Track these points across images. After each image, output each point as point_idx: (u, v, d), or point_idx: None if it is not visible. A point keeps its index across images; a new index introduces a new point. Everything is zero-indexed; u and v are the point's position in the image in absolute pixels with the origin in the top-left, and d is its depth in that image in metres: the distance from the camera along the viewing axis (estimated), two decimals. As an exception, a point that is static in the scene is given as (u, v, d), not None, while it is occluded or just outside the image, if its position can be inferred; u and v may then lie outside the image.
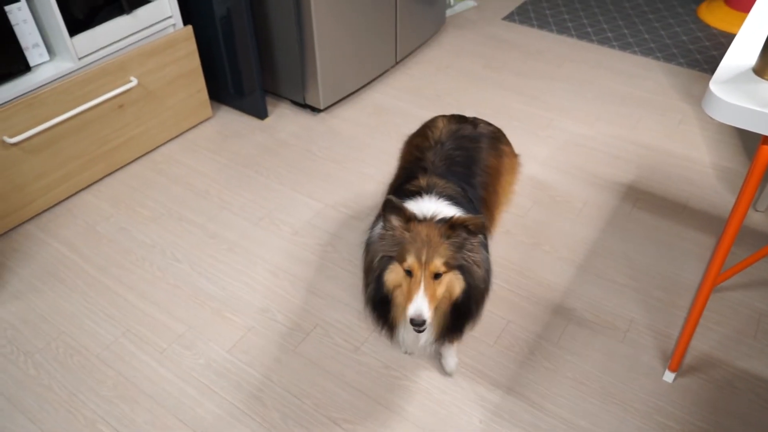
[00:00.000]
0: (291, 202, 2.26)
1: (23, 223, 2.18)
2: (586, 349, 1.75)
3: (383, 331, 1.46)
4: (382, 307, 1.40)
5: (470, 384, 1.67)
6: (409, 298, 1.26)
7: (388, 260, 1.33)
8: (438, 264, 1.25)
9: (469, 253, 1.30)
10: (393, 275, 1.32)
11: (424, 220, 1.30)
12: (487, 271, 1.40)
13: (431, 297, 1.25)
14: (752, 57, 1.25)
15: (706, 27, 3.32)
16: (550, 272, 1.98)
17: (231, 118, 2.70)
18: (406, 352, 1.74)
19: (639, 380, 1.67)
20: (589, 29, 3.33)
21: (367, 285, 1.42)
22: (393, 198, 1.27)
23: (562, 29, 3.34)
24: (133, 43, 2.27)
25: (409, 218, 1.29)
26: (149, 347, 1.76)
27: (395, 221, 1.30)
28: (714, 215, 2.17)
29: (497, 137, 1.79)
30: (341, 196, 2.28)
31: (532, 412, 1.60)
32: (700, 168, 2.39)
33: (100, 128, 2.26)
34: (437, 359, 1.72)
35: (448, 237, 1.27)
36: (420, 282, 1.25)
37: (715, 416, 1.58)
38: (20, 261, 2.04)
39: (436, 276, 1.26)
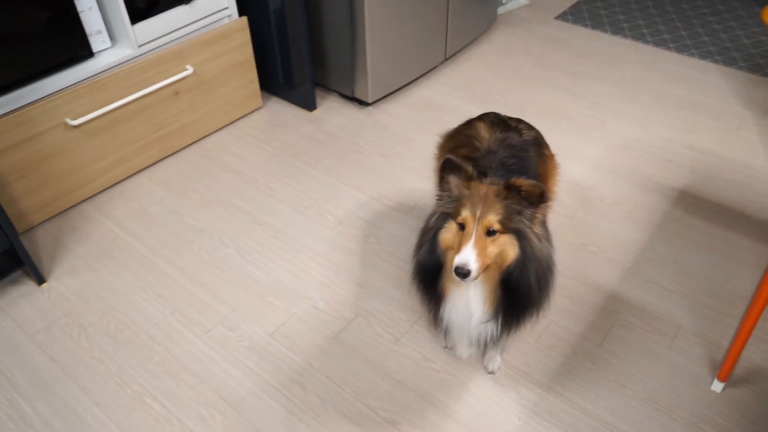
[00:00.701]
0: (336, 192, 2.29)
1: (80, 202, 2.27)
2: (630, 352, 1.71)
3: (429, 306, 1.41)
4: (432, 275, 1.36)
5: (510, 381, 1.65)
6: (458, 249, 1.23)
7: (444, 218, 1.31)
8: (492, 219, 1.22)
9: (528, 222, 1.26)
10: (448, 234, 1.30)
11: (484, 181, 1.29)
12: (550, 254, 1.34)
13: (481, 251, 1.22)
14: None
15: (770, 30, 3.20)
16: (596, 273, 1.94)
17: (280, 109, 2.74)
18: (447, 347, 1.73)
19: (685, 388, 1.62)
20: (645, 30, 3.25)
21: (419, 246, 1.38)
22: (452, 157, 1.27)
23: (616, 30, 3.27)
24: (191, 32, 2.33)
25: (470, 177, 1.28)
26: (195, 327, 1.81)
27: (454, 181, 1.29)
28: (771, 224, 2.10)
29: (540, 142, 1.75)
30: (386, 189, 2.30)
31: (571, 413, 1.57)
32: (759, 176, 2.30)
33: (156, 114, 2.33)
34: (479, 358, 1.71)
35: (505, 198, 1.24)
36: (471, 234, 1.22)
37: (765, 429, 1.53)
38: (77, 239, 2.12)
39: (490, 233, 1.23)
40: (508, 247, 1.26)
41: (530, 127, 1.75)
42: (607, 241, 2.06)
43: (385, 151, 2.49)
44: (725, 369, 1.59)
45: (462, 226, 1.25)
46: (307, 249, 2.06)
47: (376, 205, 2.23)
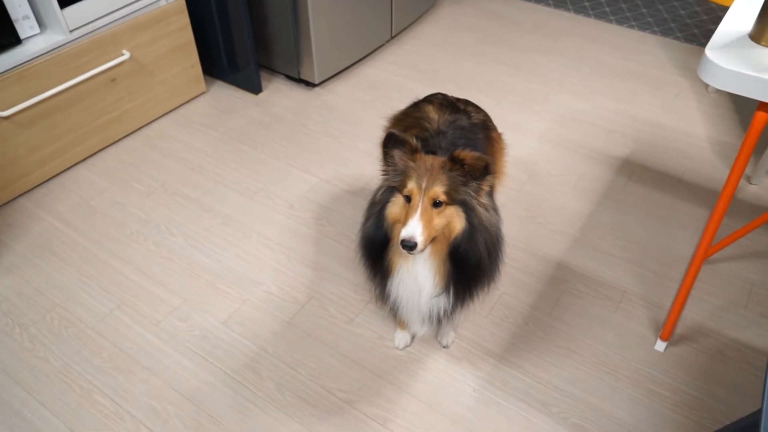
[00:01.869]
0: (286, 176, 2.26)
1: (17, 197, 2.17)
2: (579, 319, 1.76)
3: (376, 282, 1.40)
4: (378, 249, 1.35)
5: (464, 354, 1.68)
6: (404, 222, 1.22)
7: (390, 191, 1.30)
8: (437, 191, 1.22)
9: (474, 193, 1.26)
10: (395, 207, 1.29)
11: (429, 153, 1.28)
12: (497, 224, 1.34)
13: (427, 223, 1.21)
14: (748, 23, 1.24)
15: (704, 1, 3.29)
16: (544, 244, 1.98)
17: (225, 93, 2.68)
18: (399, 348, 1.69)
19: (631, 349, 1.68)
20: (587, 3, 3.30)
21: (366, 220, 1.37)
22: (396, 131, 1.26)
23: (558, 3, 3.31)
24: (125, 15, 2.24)
25: (414, 149, 1.27)
26: (144, 319, 1.77)
27: (399, 154, 1.28)
28: (709, 188, 2.17)
29: (488, 126, 1.75)
30: (336, 171, 2.28)
31: (524, 380, 1.61)
32: (696, 142, 2.38)
33: (93, 102, 2.24)
34: (434, 335, 1.72)
35: (450, 170, 1.24)
36: (417, 206, 1.22)
37: (706, 384, 1.60)
38: (15, 235, 2.03)
39: (436, 205, 1.23)
40: (454, 219, 1.26)
41: (478, 110, 1.75)
42: (555, 212, 2.10)
43: (334, 132, 2.46)
44: (667, 329, 1.65)
45: (408, 199, 1.25)
46: (258, 234, 2.03)
47: (327, 186, 2.21)
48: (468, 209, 1.26)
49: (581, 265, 1.92)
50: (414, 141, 1.27)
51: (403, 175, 1.26)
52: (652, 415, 1.54)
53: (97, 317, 1.78)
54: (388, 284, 1.38)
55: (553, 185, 2.20)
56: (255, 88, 2.66)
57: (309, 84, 2.71)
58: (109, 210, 2.12)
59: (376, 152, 2.35)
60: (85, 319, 1.77)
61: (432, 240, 1.25)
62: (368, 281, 1.41)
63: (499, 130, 1.84)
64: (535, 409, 1.55)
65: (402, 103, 2.49)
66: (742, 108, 2.54)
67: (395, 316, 1.58)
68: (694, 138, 2.40)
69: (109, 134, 2.37)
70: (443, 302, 1.37)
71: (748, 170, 2.22)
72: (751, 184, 2.19)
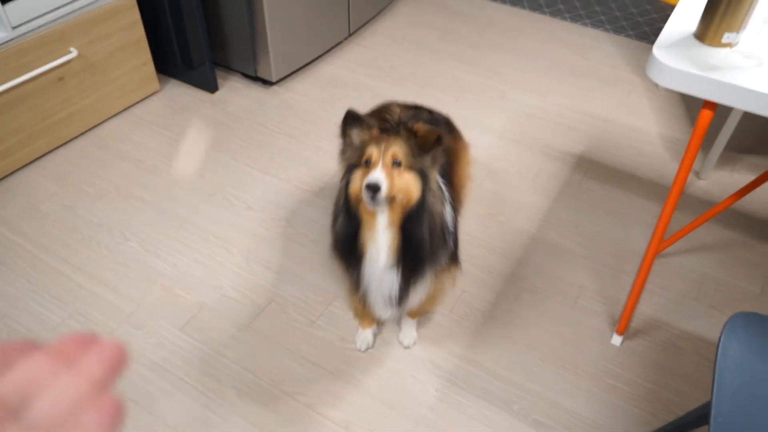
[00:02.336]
0: (244, 177, 2.22)
1: (-41, 203, 2.08)
2: (538, 315, 1.79)
3: (350, 270, 1.40)
4: (351, 243, 1.35)
5: (426, 354, 1.68)
6: (366, 177, 1.23)
7: (350, 170, 1.30)
8: (397, 150, 1.23)
9: (430, 165, 1.29)
10: (357, 183, 1.28)
11: (386, 130, 1.31)
12: (446, 214, 1.37)
13: (388, 174, 1.22)
14: (694, 22, 1.28)
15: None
16: (504, 241, 2.01)
17: (180, 92, 2.62)
18: (361, 350, 1.69)
19: (589, 344, 1.72)
20: (542, 1, 3.34)
21: (335, 220, 1.37)
22: (352, 109, 1.27)
23: (515, 1, 3.34)
24: (72, 11, 2.16)
25: (371, 126, 1.29)
26: (98, 328, 1.72)
27: (356, 132, 1.30)
28: (661, 184, 2.23)
29: (450, 126, 1.81)
30: (296, 171, 2.25)
31: (485, 378, 1.63)
32: (648, 138, 2.44)
33: (39, 102, 2.15)
34: (395, 334, 1.72)
35: (407, 139, 1.27)
36: (378, 162, 1.23)
37: (662, 376, 1.65)
38: (-43, 243, 1.94)
39: (396, 164, 1.24)
40: (412, 185, 1.27)
41: (440, 113, 1.80)
42: (513, 209, 2.13)
43: (293, 131, 2.43)
44: (622, 323, 1.69)
45: (368, 162, 1.25)
46: (216, 237, 1.99)
47: (286, 187, 2.19)
48: (424, 179, 1.28)
49: (539, 261, 1.94)
50: (369, 119, 1.30)
51: (362, 149, 1.28)
52: (610, 409, 1.57)
53: (47, 327, 1.71)
54: (361, 268, 1.38)
55: (512, 182, 2.23)
56: (210, 87, 2.61)
57: (266, 82, 2.67)
58: (59, 214, 2.05)
59: (336, 150, 2.33)
60: (35, 330, 1.71)
61: (392, 201, 1.25)
62: (344, 274, 1.41)
63: (460, 128, 1.86)
64: (496, 406, 1.57)
65: (361, 101, 2.48)
66: (692, 105, 2.62)
67: (364, 305, 1.57)
68: (646, 134, 2.46)
69: (59, 135, 2.28)
70: (397, 278, 1.37)
71: (696, 166, 2.29)
72: (699, 179, 2.26)
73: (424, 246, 1.32)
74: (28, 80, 2.08)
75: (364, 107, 2.34)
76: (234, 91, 2.64)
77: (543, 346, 1.71)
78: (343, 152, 1.34)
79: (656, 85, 2.72)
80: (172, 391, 1.58)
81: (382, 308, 1.51)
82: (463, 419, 1.54)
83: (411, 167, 1.26)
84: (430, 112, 1.75)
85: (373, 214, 1.29)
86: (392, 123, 1.61)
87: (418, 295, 1.44)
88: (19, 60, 2.03)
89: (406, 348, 1.69)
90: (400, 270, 1.36)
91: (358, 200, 1.30)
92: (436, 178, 1.33)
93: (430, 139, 1.25)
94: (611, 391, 1.61)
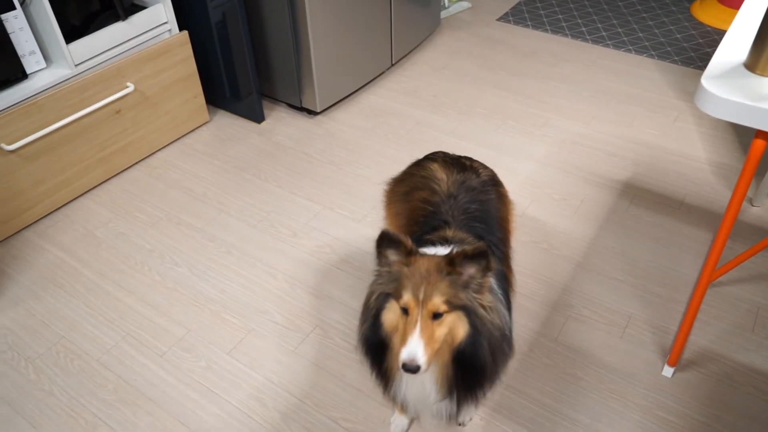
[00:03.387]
0: (289, 204, 2.27)
1: (22, 229, 2.18)
2: (584, 345, 1.75)
3: (378, 380, 1.31)
4: (377, 352, 1.25)
5: (470, 382, 1.67)
6: (403, 340, 1.12)
7: (385, 298, 1.20)
8: (437, 302, 1.12)
9: (476, 295, 1.17)
10: (391, 315, 1.19)
11: (425, 255, 1.20)
12: (503, 321, 1.25)
13: (428, 339, 1.11)
14: (743, 52, 1.26)
15: (700, 24, 3.34)
16: (548, 270, 1.99)
17: (228, 122, 2.71)
18: (399, 408, 1.56)
19: (638, 375, 1.67)
20: (584, 28, 3.34)
21: (363, 322, 1.27)
22: (389, 230, 1.16)
23: (556, 29, 3.35)
24: (130, 49, 2.28)
25: (410, 252, 1.18)
26: (149, 351, 1.77)
27: (393, 256, 1.19)
28: (711, 211, 2.18)
29: (496, 181, 1.66)
30: (339, 198, 2.29)
31: (531, 408, 1.60)
32: (696, 164, 2.40)
33: (97, 134, 2.27)
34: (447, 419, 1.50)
35: (449, 273, 1.14)
36: (416, 322, 1.11)
37: (715, 410, 1.59)
38: (19, 268, 2.04)
39: (436, 316, 1.13)
40: (457, 326, 1.16)
41: (484, 166, 1.68)
42: (558, 236, 2.11)
43: (336, 159, 2.49)
44: (674, 354, 1.64)
45: (405, 311, 1.15)
46: (261, 263, 2.04)
47: (330, 214, 2.22)
48: (470, 313, 1.16)
49: (586, 290, 1.91)
50: (409, 242, 1.18)
51: (398, 283, 1.16)
52: (661, 442, 1.52)
53: (102, 349, 1.77)
54: (393, 387, 1.28)
55: (556, 210, 2.21)
56: (257, 117, 2.69)
57: (311, 112, 2.74)
58: (114, 241, 2.13)
59: (377, 178, 2.37)
60: (90, 352, 1.77)
61: (435, 354, 1.17)
62: (373, 379, 1.32)
63: (501, 155, 1.86)
64: (543, 437, 1.54)
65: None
66: (742, 130, 2.56)
67: (405, 411, 1.51)
68: (695, 160, 2.41)
69: (114, 165, 2.39)
70: (448, 405, 1.29)
71: (749, 192, 2.23)
72: (753, 206, 2.19)
73: (487, 369, 1.22)
74: (87, 114, 2.19)
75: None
76: (279, 121, 2.72)
77: (590, 376, 1.67)
78: (378, 276, 1.22)
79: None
80: (219, 414, 1.60)
81: (428, 420, 1.43)
82: (508, 450, 1.52)
83: (454, 308, 1.15)
84: (476, 172, 1.61)
85: None
86: (442, 196, 1.48)
87: (472, 411, 1.36)
88: (80, 95, 2.14)
89: (459, 425, 1.60)
90: (454, 399, 1.26)
91: (392, 331, 1.21)
92: (486, 298, 1.20)
93: (475, 253, 1.12)
94: (662, 424, 1.56)
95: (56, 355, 1.76)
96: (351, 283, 1.95)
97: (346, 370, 1.70)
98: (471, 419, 1.60)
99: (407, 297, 1.13)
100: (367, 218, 2.20)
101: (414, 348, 1.10)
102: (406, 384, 1.26)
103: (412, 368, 1.09)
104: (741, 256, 1.69)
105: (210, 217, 2.22)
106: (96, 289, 1.95)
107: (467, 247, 1.13)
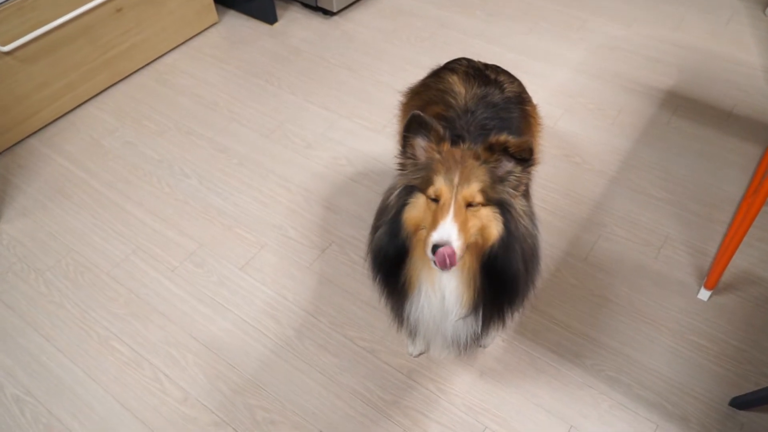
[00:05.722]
0: (304, 113, 2.13)
1: (27, 137, 2.09)
2: (616, 266, 1.65)
3: (391, 302, 1.19)
4: (393, 263, 1.11)
5: (492, 302, 1.59)
6: (433, 226, 0.99)
7: (408, 192, 1.07)
8: (474, 189, 1.00)
9: (513, 191, 1.04)
10: (415, 211, 1.06)
11: (455, 138, 1.07)
12: (535, 233, 1.12)
13: (462, 225, 0.99)
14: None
15: None
16: (580, 185, 1.85)
17: (238, 24, 2.52)
18: (413, 355, 1.49)
19: (671, 298, 1.58)
20: None
21: (375, 229, 1.13)
22: (420, 113, 1.04)
23: None
24: (127, -62, 2.08)
25: (441, 138, 1.05)
26: (160, 265, 1.71)
27: (422, 144, 1.07)
28: (762, 123, 2.00)
29: (523, 99, 1.48)
30: (356, 106, 2.14)
31: (556, 331, 1.53)
32: (749, 71, 2.18)
33: (99, 35, 2.11)
34: (463, 356, 1.48)
35: (486, 161, 1.03)
36: (450, 206, 0.99)
37: (752, 335, 1.50)
38: (25, 177, 1.97)
39: (469, 206, 1.01)
40: (491, 223, 1.03)
41: (511, 79, 1.49)
42: (591, 150, 1.95)
43: (354, 64, 2.31)
44: (713, 277, 1.53)
45: (435, 200, 1.02)
46: (275, 175, 1.94)
47: (347, 123, 2.09)
48: (506, 211, 1.04)
49: (619, 207, 1.79)
50: (441, 127, 1.05)
51: (427, 170, 1.04)
52: (692, 367, 1.45)
53: (112, 262, 1.72)
54: (407, 305, 1.15)
55: (590, 121, 2.05)
56: (270, 18, 2.50)
57: (327, 12, 2.53)
58: (121, 150, 2.03)
59: (398, 85, 2.20)
60: (100, 265, 1.72)
61: (466, 248, 1.04)
62: (382, 300, 1.21)
63: (531, 61, 1.68)
64: (567, 360, 1.47)
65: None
66: (802, 33, 2.31)
67: (413, 341, 1.43)
68: (747, 66, 2.19)
69: (118, 69, 2.25)
70: (471, 325, 1.15)
71: (806, 102, 2.03)
72: (808, 118, 2.00)
73: (519, 281, 1.10)
74: (86, 12, 2.03)
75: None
76: (293, 22, 2.52)
77: (621, 299, 1.58)
78: (402, 167, 1.09)
79: (763, 10, 2.41)
80: (233, 330, 1.56)
81: (438, 350, 1.29)
82: (531, 372, 1.46)
83: (490, 201, 1.03)
84: (500, 87, 1.43)
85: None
86: (458, 111, 1.32)
87: (494, 335, 1.23)
88: (76, -10, 1.97)
89: (481, 347, 1.51)
90: (479, 316, 1.13)
91: (415, 231, 1.08)
92: (522, 201, 1.08)
93: (525, 151, 1.01)
94: (695, 348, 1.48)
95: (66, 268, 1.71)
96: (369, 198, 1.85)
97: (362, 288, 1.63)
98: (493, 340, 1.53)
99: (439, 182, 1.02)
100: (386, 129, 2.06)
101: (447, 229, 0.98)
102: (425, 297, 1.12)
103: (446, 252, 0.96)
104: (797, 173, 1.54)
105: (220, 127, 2.10)
106: (104, 201, 1.88)
107: (510, 138, 1.01)
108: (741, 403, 1.36)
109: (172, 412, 1.42)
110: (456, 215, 0.99)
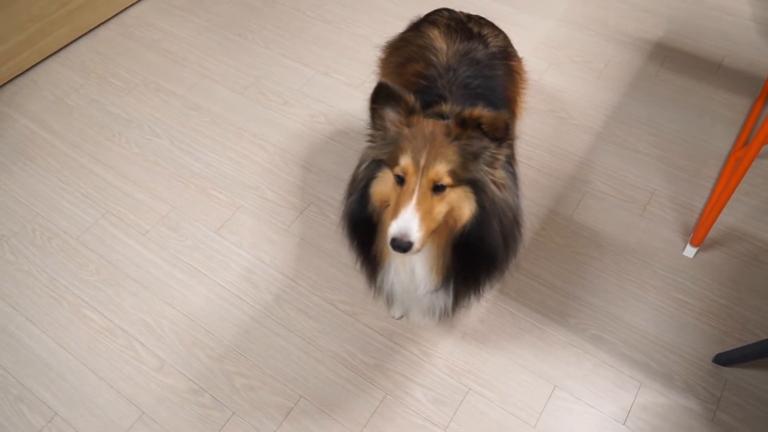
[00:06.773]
0: (279, 68, 2.04)
1: (-14, 96, 1.98)
2: (601, 223, 1.62)
3: (364, 269, 1.16)
4: (364, 232, 1.09)
5: (475, 262, 1.56)
6: (395, 212, 0.95)
7: (377, 165, 1.02)
8: (440, 171, 0.94)
9: (488, 168, 0.98)
10: (382, 186, 1.02)
11: (431, 116, 1.00)
12: (516, 203, 1.07)
13: (425, 214, 0.94)
14: None
15: None
16: (565, 141, 1.80)
17: (208, -27, 2.38)
18: (395, 317, 1.46)
19: (657, 256, 1.55)
20: None
21: (349, 195, 1.09)
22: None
23: None
24: None
25: (412, 110, 0.98)
26: (132, 229, 1.65)
27: (391, 115, 1.00)
28: (752, 75, 1.94)
29: (508, 53, 1.40)
30: (334, 61, 2.05)
31: (539, 290, 1.50)
32: (740, 21, 2.11)
33: (57, -15, 1.98)
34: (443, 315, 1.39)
35: (458, 138, 0.96)
36: (413, 192, 0.94)
37: (737, 292, 1.48)
38: (-14, 139, 1.87)
39: (437, 189, 0.96)
40: (462, 204, 0.99)
41: (496, 32, 1.40)
42: (577, 104, 1.90)
43: (331, 16, 2.20)
44: (699, 233, 1.51)
45: (400, 179, 0.97)
46: (250, 134, 1.86)
47: (324, 79, 2.00)
48: (479, 190, 0.98)
49: (605, 163, 1.74)
50: (411, 98, 0.97)
51: (395, 146, 0.98)
52: (677, 325, 1.44)
53: (81, 228, 1.65)
54: (379, 277, 1.12)
55: (576, 74, 1.98)
56: (241, -33, 2.36)
57: (302, -40, 2.40)
58: (87, 109, 1.93)
59: (377, 38, 2.11)
60: (68, 230, 1.65)
61: (431, 233, 0.99)
62: (356, 265, 1.17)
63: (516, 12, 1.60)
64: (551, 320, 1.45)
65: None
66: (794, -20, 2.24)
67: (390, 306, 1.40)
68: (738, 16, 2.13)
69: (81, 23, 2.12)
70: (443, 298, 1.13)
71: (796, 53, 1.98)
72: (798, 68, 1.95)
73: (497, 254, 1.05)
74: (42, -41, 1.89)
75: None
76: (267, -29, 2.39)
77: (606, 257, 1.56)
78: (371, 139, 1.04)
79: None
80: (209, 295, 1.51)
81: (418, 317, 1.26)
82: (514, 332, 1.43)
83: (460, 181, 0.97)
84: (484, 42, 1.34)
85: None
86: (439, 69, 1.25)
87: (471, 307, 1.20)
88: (30, -64, 1.84)
89: (464, 309, 1.46)
90: (450, 289, 1.10)
91: (382, 206, 1.03)
92: (499, 174, 1.01)
93: (498, 128, 0.94)
94: (680, 306, 1.47)
95: (32, 234, 1.64)
96: (348, 156, 1.78)
97: (341, 250, 1.59)
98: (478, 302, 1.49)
99: (404, 161, 0.95)
100: (365, 84, 1.98)
101: (407, 221, 0.93)
102: (395, 271, 1.10)
103: (402, 245, 0.93)
104: (788, 125, 1.50)
105: (192, 83, 2.00)
106: (70, 163, 1.79)
107: (485, 112, 0.93)
108: (725, 359, 1.35)
109: (149, 380, 1.38)
110: (419, 203, 0.94)
